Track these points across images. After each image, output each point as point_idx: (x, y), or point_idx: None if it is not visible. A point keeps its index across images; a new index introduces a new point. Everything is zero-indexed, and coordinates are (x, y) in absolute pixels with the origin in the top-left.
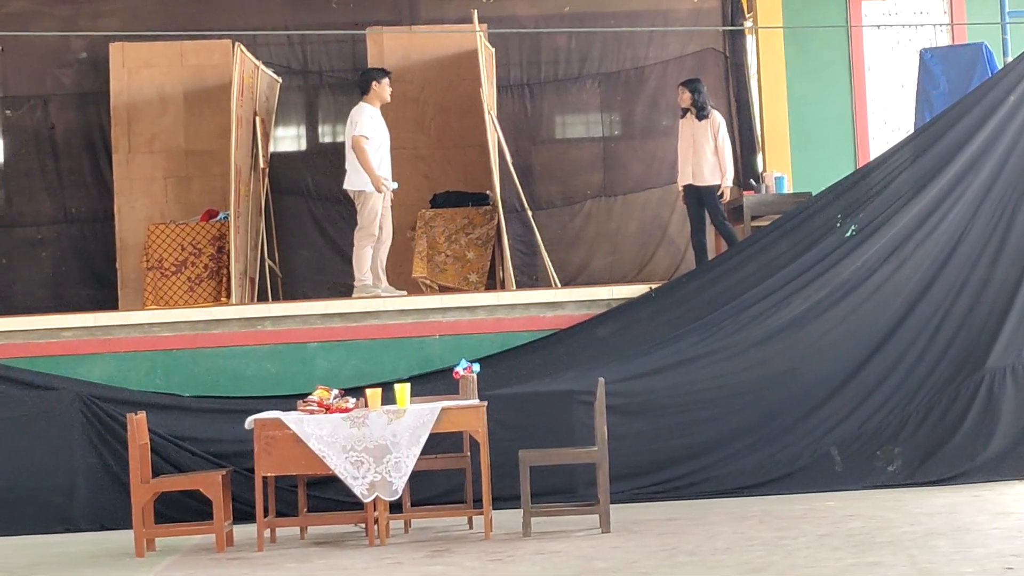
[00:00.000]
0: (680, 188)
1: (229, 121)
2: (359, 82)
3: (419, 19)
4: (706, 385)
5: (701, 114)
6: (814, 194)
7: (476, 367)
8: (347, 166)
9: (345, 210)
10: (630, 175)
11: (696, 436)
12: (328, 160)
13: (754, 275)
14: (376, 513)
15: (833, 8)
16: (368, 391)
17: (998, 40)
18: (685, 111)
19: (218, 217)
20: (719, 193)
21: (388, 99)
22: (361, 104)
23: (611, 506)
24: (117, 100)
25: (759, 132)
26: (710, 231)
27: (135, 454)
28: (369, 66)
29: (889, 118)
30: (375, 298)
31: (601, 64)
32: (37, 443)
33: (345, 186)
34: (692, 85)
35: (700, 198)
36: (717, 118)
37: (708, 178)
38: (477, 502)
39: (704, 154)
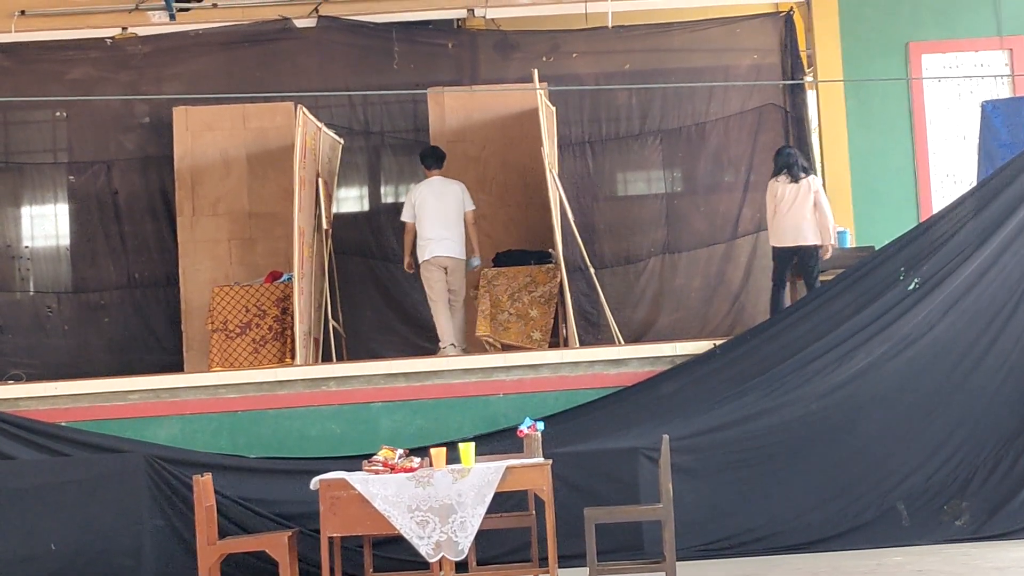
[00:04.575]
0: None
1: (292, 183)
2: (439, 157)
3: (479, 79)
4: (770, 440)
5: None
6: (877, 248)
7: (540, 425)
8: (456, 235)
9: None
10: (693, 231)
11: (761, 492)
12: (391, 220)
13: (817, 329)
14: (442, 573)
15: (893, 62)
16: (433, 451)
17: None
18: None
19: (282, 278)
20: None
21: None
22: (458, 181)
23: (678, 563)
24: (181, 163)
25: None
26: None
27: (201, 516)
28: (431, 126)
29: (952, 171)
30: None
31: (662, 121)
32: (104, 505)
33: (458, 255)
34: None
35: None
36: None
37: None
38: (543, 560)
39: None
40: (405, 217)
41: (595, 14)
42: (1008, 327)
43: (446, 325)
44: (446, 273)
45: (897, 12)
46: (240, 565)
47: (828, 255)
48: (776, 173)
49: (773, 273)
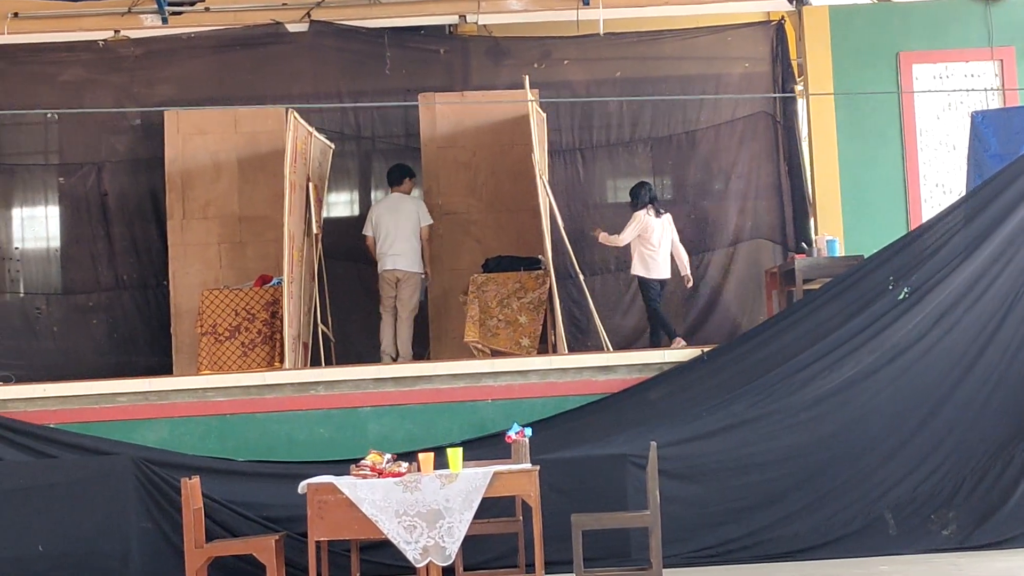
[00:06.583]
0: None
1: (283, 187)
2: (405, 174)
3: (471, 85)
4: (758, 448)
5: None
6: (866, 257)
7: (528, 431)
8: (408, 249)
9: None
10: (683, 239)
11: (749, 499)
12: None
13: (805, 337)
14: None
15: (884, 72)
16: (421, 455)
17: None
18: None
19: (272, 282)
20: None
21: None
22: (416, 198)
23: (664, 570)
24: (172, 167)
25: (811, 195)
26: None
27: (189, 519)
28: (421, 132)
29: (941, 181)
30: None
31: (652, 128)
32: (92, 508)
33: (407, 268)
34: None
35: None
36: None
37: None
38: (530, 567)
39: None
40: (366, 231)
41: (587, 21)
42: (997, 337)
43: (387, 336)
44: (396, 286)
45: (888, 22)
46: (227, 568)
47: (690, 284)
48: (641, 206)
49: (651, 300)
